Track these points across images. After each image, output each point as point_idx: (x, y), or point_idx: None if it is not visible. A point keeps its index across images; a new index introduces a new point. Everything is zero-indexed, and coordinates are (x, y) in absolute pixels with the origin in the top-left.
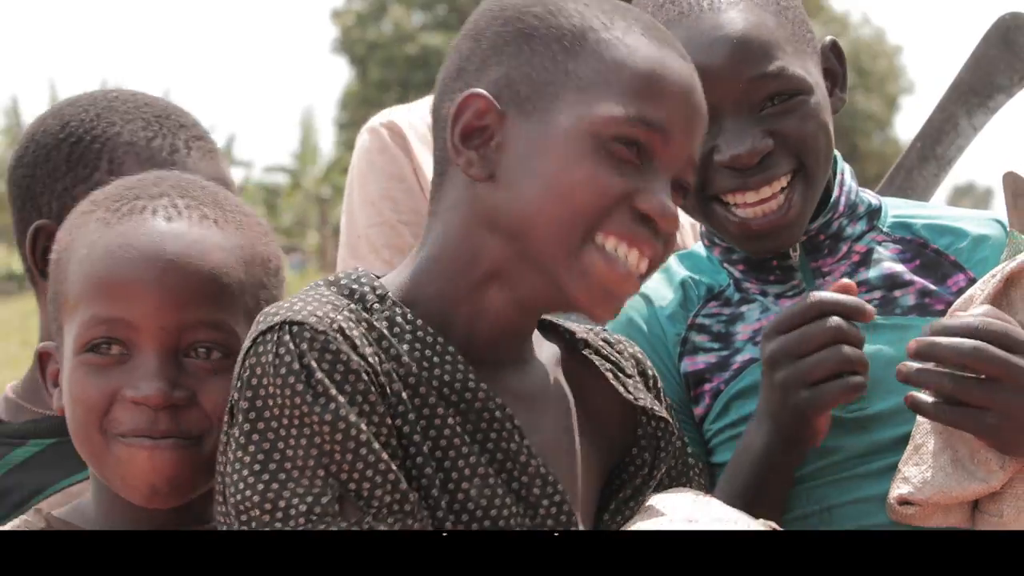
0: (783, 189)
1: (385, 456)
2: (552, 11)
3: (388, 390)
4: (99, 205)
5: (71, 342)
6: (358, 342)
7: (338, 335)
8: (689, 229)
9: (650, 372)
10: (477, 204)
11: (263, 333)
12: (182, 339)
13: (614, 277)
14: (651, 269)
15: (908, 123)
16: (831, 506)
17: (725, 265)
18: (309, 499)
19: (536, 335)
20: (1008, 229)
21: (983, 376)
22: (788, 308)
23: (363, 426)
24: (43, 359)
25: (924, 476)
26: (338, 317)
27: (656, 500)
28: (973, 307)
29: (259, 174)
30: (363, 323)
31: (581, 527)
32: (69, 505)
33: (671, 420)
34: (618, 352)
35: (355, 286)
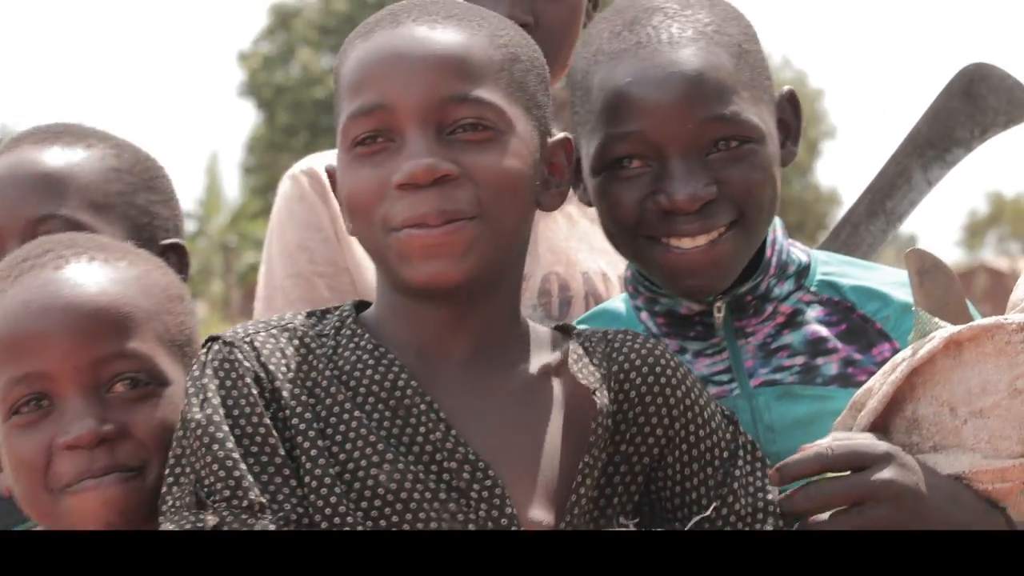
0: (719, 235)
1: (236, 455)
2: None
3: (284, 393)
4: None
5: None
6: (265, 351)
7: (244, 345)
8: (616, 281)
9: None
10: None
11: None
12: (99, 375)
13: (415, 247)
14: (455, 206)
15: (830, 169)
16: None
17: (644, 318)
18: (175, 492)
19: (549, 340)
20: (914, 309)
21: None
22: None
23: (224, 427)
24: None
25: None
26: (258, 332)
27: None
28: (871, 401)
29: None
30: (295, 340)
31: (534, 517)
32: None
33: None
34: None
35: (329, 313)
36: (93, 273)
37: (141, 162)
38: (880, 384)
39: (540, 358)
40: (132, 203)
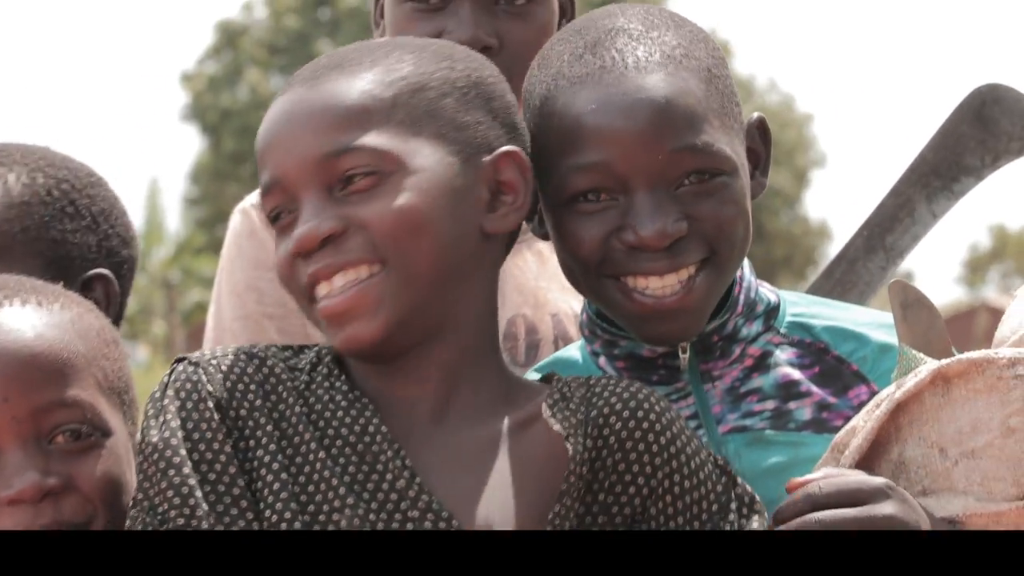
0: (690, 277)
1: (192, 482)
2: None
3: (250, 422)
4: None
5: None
6: (233, 376)
7: (211, 367)
8: (574, 319)
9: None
10: None
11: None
12: (40, 426)
13: (327, 316)
14: (354, 266)
15: (819, 200)
16: None
17: (603, 364)
18: (133, 513)
19: (529, 388)
20: (899, 344)
21: None
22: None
23: (182, 451)
24: None
25: None
26: (227, 356)
27: None
28: (855, 439)
29: None
30: (264, 368)
31: None
32: None
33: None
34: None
35: (307, 349)
36: (27, 317)
37: (59, 186)
38: (864, 422)
39: (517, 406)
40: (41, 238)
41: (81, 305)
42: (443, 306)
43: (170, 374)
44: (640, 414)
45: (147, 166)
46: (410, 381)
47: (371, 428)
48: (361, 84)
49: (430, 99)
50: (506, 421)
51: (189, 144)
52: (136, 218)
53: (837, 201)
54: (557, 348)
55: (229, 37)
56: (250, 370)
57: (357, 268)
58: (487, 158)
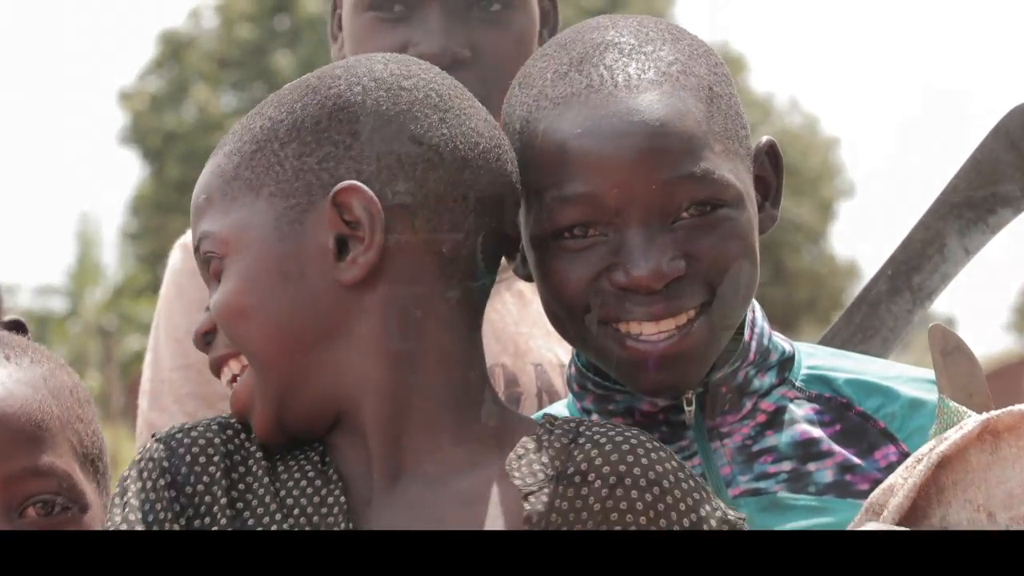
0: (688, 320)
1: None
2: None
3: (207, 498)
4: None
5: None
6: (194, 450)
7: (172, 442)
8: (560, 370)
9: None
10: None
11: None
12: (11, 496)
13: None
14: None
15: (847, 234)
16: None
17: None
18: None
19: (517, 434)
20: (939, 396)
21: None
22: None
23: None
24: None
25: None
26: (196, 427)
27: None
28: (894, 499)
29: (27, 298)
30: (236, 439)
31: None
32: None
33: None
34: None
35: None
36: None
37: None
38: (904, 479)
39: (493, 457)
40: None
41: (51, 360)
42: (326, 377)
43: (142, 451)
44: (622, 468)
45: (79, 196)
46: (358, 448)
47: (331, 500)
48: (209, 168)
49: (273, 151)
50: (481, 474)
51: (128, 171)
52: (66, 255)
53: (867, 236)
54: (541, 402)
55: (174, 49)
56: (217, 441)
57: (229, 363)
58: (323, 201)
